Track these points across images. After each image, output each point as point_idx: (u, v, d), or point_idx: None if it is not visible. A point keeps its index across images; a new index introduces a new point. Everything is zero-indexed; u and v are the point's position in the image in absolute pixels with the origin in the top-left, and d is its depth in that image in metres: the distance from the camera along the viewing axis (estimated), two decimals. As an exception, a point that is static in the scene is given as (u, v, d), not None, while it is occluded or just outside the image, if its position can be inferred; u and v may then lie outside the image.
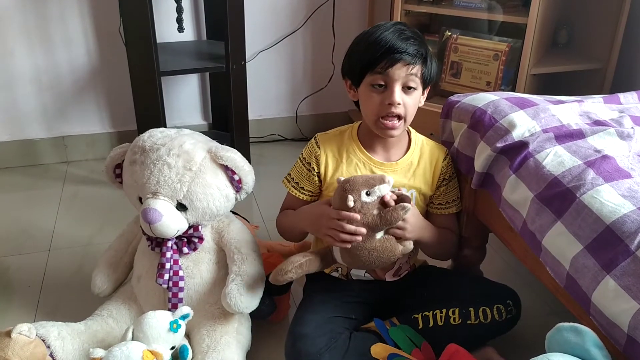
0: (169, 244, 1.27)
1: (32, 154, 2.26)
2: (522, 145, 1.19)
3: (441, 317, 1.24)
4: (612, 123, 1.24)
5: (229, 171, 1.27)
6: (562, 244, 1.03)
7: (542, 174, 1.11)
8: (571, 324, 0.93)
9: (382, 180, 1.15)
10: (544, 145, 1.17)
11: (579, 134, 1.19)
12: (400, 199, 1.15)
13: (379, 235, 1.17)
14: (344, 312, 1.29)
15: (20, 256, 1.70)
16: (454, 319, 1.23)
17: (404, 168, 1.31)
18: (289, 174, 1.36)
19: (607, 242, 0.95)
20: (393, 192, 1.17)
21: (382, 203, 1.15)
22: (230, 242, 1.31)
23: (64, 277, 1.60)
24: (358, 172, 1.28)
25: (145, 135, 1.29)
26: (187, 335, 1.27)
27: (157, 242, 1.28)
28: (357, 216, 1.13)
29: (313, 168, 1.31)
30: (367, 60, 1.20)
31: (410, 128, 1.35)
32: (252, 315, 1.31)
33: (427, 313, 1.25)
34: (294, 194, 1.33)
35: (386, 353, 1.20)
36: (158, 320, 1.18)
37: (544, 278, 1.16)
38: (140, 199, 1.26)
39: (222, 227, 1.34)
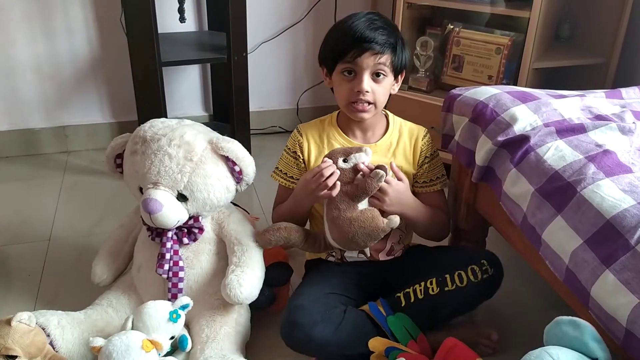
0: (169, 234, 1.27)
1: (32, 144, 2.26)
2: (524, 139, 1.19)
3: (420, 290, 1.25)
4: (614, 118, 1.23)
5: (229, 162, 1.27)
6: (562, 238, 1.03)
7: (543, 168, 1.11)
8: (570, 317, 0.94)
9: (359, 150, 1.23)
10: (545, 140, 1.17)
11: (580, 129, 1.19)
12: (376, 168, 1.19)
13: (361, 206, 1.22)
14: (341, 291, 1.30)
15: (20, 245, 1.70)
16: (432, 289, 1.24)
17: (384, 149, 1.34)
18: (277, 167, 1.39)
19: (607, 236, 0.95)
20: (369, 166, 1.22)
21: (357, 171, 1.21)
22: (231, 233, 1.31)
23: (63, 267, 1.60)
24: None
25: (147, 125, 1.29)
26: (187, 326, 1.27)
27: (158, 233, 1.28)
28: (328, 164, 1.21)
29: (298, 156, 1.36)
30: (338, 49, 1.25)
31: (387, 112, 1.39)
32: (252, 306, 1.31)
33: (407, 290, 1.27)
34: (285, 185, 1.37)
35: (384, 347, 1.20)
36: (158, 310, 1.18)
37: (543, 272, 1.17)
38: (140, 189, 1.26)
39: (222, 218, 1.34)
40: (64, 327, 1.22)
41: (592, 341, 0.90)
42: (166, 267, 1.27)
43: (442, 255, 1.36)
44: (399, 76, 1.32)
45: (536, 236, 1.10)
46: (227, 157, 1.26)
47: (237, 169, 1.27)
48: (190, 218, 1.28)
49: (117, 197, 1.93)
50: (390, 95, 1.32)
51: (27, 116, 2.22)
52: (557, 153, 1.13)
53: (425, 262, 1.32)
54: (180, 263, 1.28)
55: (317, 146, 1.36)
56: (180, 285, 1.29)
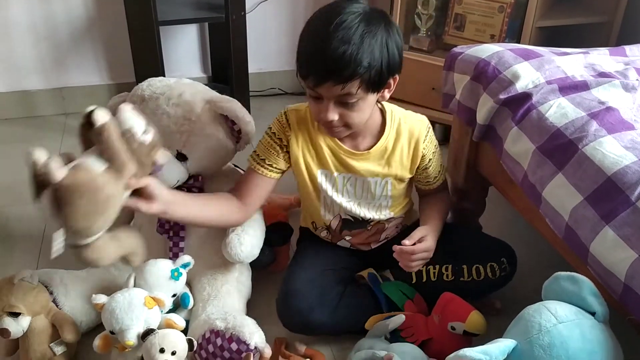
0: (170, 194, 1.27)
1: (30, 106, 2.24)
2: (526, 96, 1.18)
3: (434, 273, 1.25)
4: (617, 75, 1.22)
5: (228, 122, 1.26)
6: (562, 195, 1.03)
7: (545, 126, 1.11)
8: (568, 273, 0.95)
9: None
10: (547, 97, 1.16)
11: (583, 86, 1.18)
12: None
13: None
14: (335, 264, 1.29)
15: (21, 207, 1.70)
16: (447, 275, 1.24)
17: (377, 156, 1.21)
18: (254, 152, 1.24)
19: (607, 193, 0.95)
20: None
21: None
22: (231, 193, 1.31)
23: (65, 228, 1.60)
24: (328, 160, 1.21)
25: (144, 84, 1.27)
26: (188, 284, 1.28)
27: (158, 192, 1.28)
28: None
29: (284, 146, 1.21)
30: (300, 67, 1.08)
31: (386, 106, 1.23)
32: (252, 265, 1.32)
33: (420, 268, 1.23)
34: (258, 171, 1.21)
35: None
36: (159, 268, 1.19)
37: (543, 230, 1.17)
38: (139, 149, 1.26)
39: (222, 178, 1.33)
40: (67, 285, 1.23)
41: (590, 296, 0.91)
42: (167, 226, 1.28)
43: (461, 243, 1.30)
44: (388, 85, 1.11)
45: (536, 194, 1.10)
46: (226, 116, 1.25)
47: (236, 128, 1.26)
48: (190, 178, 1.28)
49: (117, 159, 1.93)
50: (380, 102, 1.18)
51: (23, 77, 2.19)
52: (559, 110, 1.12)
53: (442, 245, 1.23)
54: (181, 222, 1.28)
55: (305, 145, 1.21)
56: (181, 244, 1.29)
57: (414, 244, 1.14)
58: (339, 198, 1.25)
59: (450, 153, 1.47)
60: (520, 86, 1.19)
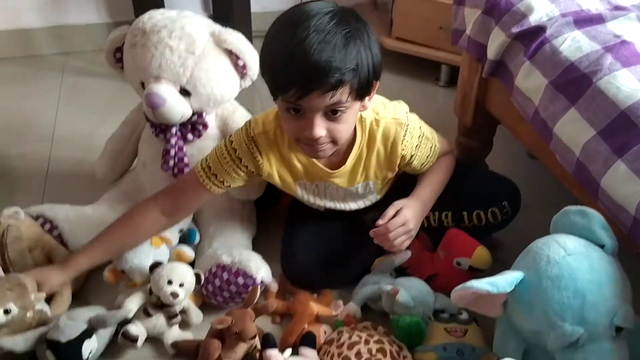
0: (173, 130, 1.25)
1: (28, 44, 2.19)
2: (539, 30, 1.14)
3: (434, 219, 1.23)
4: (633, 8, 1.18)
5: (233, 56, 1.22)
6: (574, 130, 1.01)
7: (558, 60, 1.08)
8: (578, 207, 0.94)
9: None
10: (561, 30, 1.12)
11: (598, 19, 1.14)
12: None
13: None
14: (334, 228, 1.27)
15: (23, 146, 1.69)
16: (447, 222, 1.22)
17: (352, 168, 1.14)
18: (205, 160, 1.14)
19: (620, 126, 0.93)
20: None
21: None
22: (235, 129, 1.29)
23: (68, 166, 1.60)
24: (303, 175, 1.16)
25: (145, 16, 1.24)
26: (194, 221, 1.28)
27: (161, 129, 1.26)
28: None
29: (245, 166, 1.12)
30: (276, 81, 0.95)
31: None
32: (257, 204, 1.32)
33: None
34: (207, 187, 1.12)
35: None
36: (165, 203, 1.19)
37: (552, 167, 1.16)
38: (142, 85, 1.23)
39: (226, 115, 1.31)
40: (72, 221, 1.23)
41: (599, 228, 0.91)
42: (171, 163, 1.26)
43: (462, 188, 1.23)
44: (371, 92, 1.01)
45: (547, 130, 1.08)
46: (231, 50, 1.22)
47: (240, 63, 1.23)
48: (194, 114, 1.26)
49: (119, 100, 1.88)
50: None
51: (20, 15, 2.14)
52: (574, 44, 1.08)
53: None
54: (185, 160, 1.27)
55: (280, 166, 1.14)
56: (186, 181, 1.28)
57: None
58: (321, 201, 1.22)
59: (458, 92, 1.44)
60: (533, 19, 1.15)
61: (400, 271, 1.21)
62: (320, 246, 1.23)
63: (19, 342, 0.98)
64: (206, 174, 1.12)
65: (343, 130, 1.00)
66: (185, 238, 1.23)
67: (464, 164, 1.31)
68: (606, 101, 0.97)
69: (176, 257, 1.13)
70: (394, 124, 1.11)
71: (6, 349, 0.97)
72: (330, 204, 1.23)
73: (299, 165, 1.14)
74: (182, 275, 1.07)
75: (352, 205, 1.24)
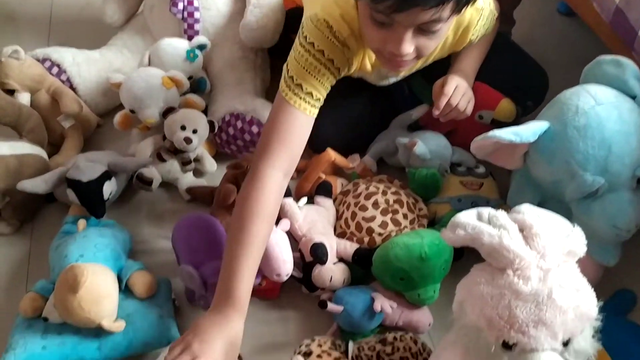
0: (182, -31, 1.17)
1: None
2: None
3: None
4: None
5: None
6: (616, -27, 0.93)
7: None
8: (612, 56, 0.89)
9: None
10: None
11: None
12: None
13: None
14: (357, 99, 1.17)
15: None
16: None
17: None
18: (290, 77, 0.90)
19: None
20: None
21: None
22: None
23: (73, 10, 1.52)
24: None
25: None
26: (205, 70, 1.23)
27: (169, -32, 1.18)
28: None
29: (337, 69, 0.92)
30: None
31: None
32: (270, 52, 1.26)
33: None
34: (298, 107, 0.89)
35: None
36: (174, 47, 1.14)
37: (587, 16, 1.09)
38: None
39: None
40: (80, 64, 1.19)
41: (633, 79, 0.86)
42: (180, 6, 1.20)
43: (487, 72, 1.10)
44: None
45: (586, -26, 1.00)
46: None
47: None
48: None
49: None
50: None
51: None
52: None
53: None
54: (195, 3, 1.20)
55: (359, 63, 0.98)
56: (197, 26, 1.22)
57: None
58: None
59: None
60: None
61: (418, 129, 1.17)
62: (344, 117, 1.14)
63: (40, 184, 0.99)
64: (299, 96, 0.89)
65: (432, 46, 0.87)
66: (195, 87, 1.19)
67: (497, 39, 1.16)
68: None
69: (186, 104, 1.10)
70: (471, 9, 0.95)
71: (28, 192, 0.98)
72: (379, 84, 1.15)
73: (370, 60, 1.01)
74: (196, 121, 1.05)
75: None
